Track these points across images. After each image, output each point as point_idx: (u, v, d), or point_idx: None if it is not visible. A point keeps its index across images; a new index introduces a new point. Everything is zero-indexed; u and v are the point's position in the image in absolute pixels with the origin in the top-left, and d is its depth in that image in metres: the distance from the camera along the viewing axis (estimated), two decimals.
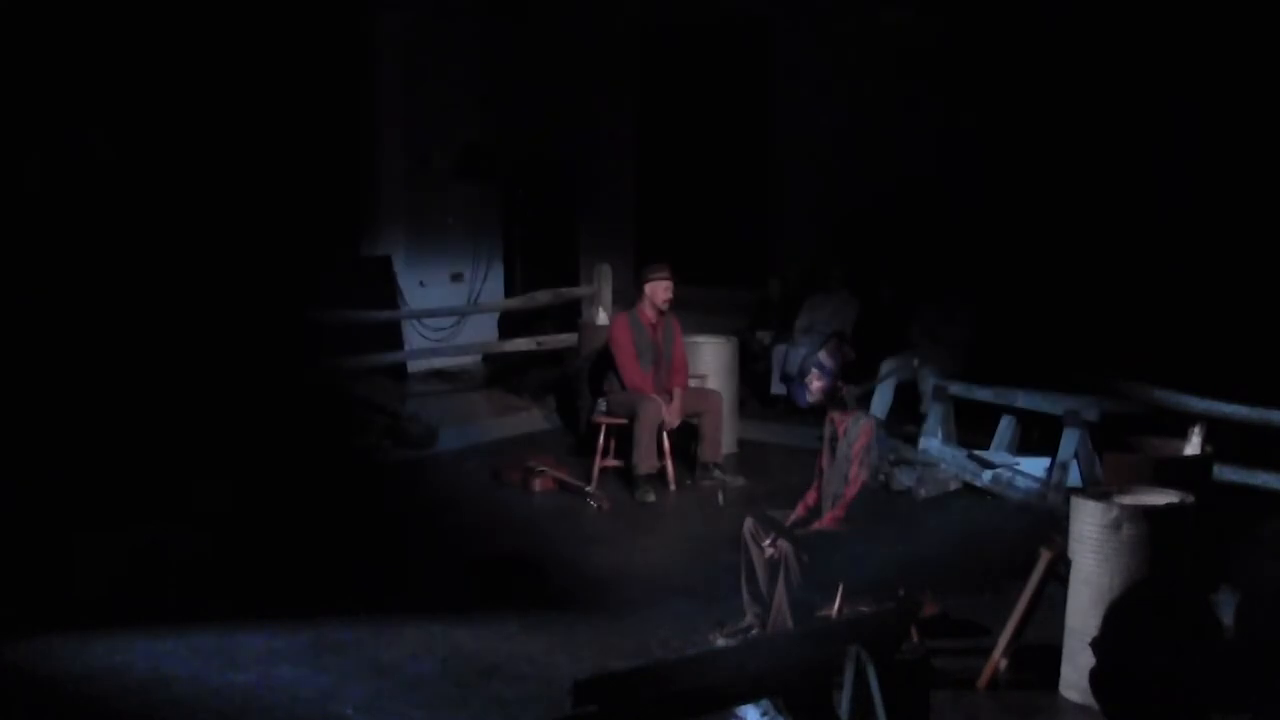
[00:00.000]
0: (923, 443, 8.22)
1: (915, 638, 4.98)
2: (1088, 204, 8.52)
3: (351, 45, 11.07)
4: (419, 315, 11.13)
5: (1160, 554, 4.73)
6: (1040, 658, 5.03)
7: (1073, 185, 8.36)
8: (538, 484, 7.97)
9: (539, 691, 4.91)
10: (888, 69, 10.10)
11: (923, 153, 9.77)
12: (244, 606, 5.79)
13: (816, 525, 5.34)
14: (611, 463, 8.15)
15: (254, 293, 8.81)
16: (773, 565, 5.20)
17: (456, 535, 7.11)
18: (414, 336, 11.30)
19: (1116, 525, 4.75)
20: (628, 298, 8.94)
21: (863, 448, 5.29)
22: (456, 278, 12.11)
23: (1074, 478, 7.38)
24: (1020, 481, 7.65)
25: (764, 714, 4.41)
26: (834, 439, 5.46)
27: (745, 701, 4.29)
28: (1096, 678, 4.75)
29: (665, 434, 7.94)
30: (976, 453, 7.99)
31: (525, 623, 5.72)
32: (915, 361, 9.08)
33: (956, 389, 8.31)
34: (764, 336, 10.25)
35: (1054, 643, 4.99)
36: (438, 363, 11.27)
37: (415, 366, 11.05)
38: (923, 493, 7.75)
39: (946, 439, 8.23)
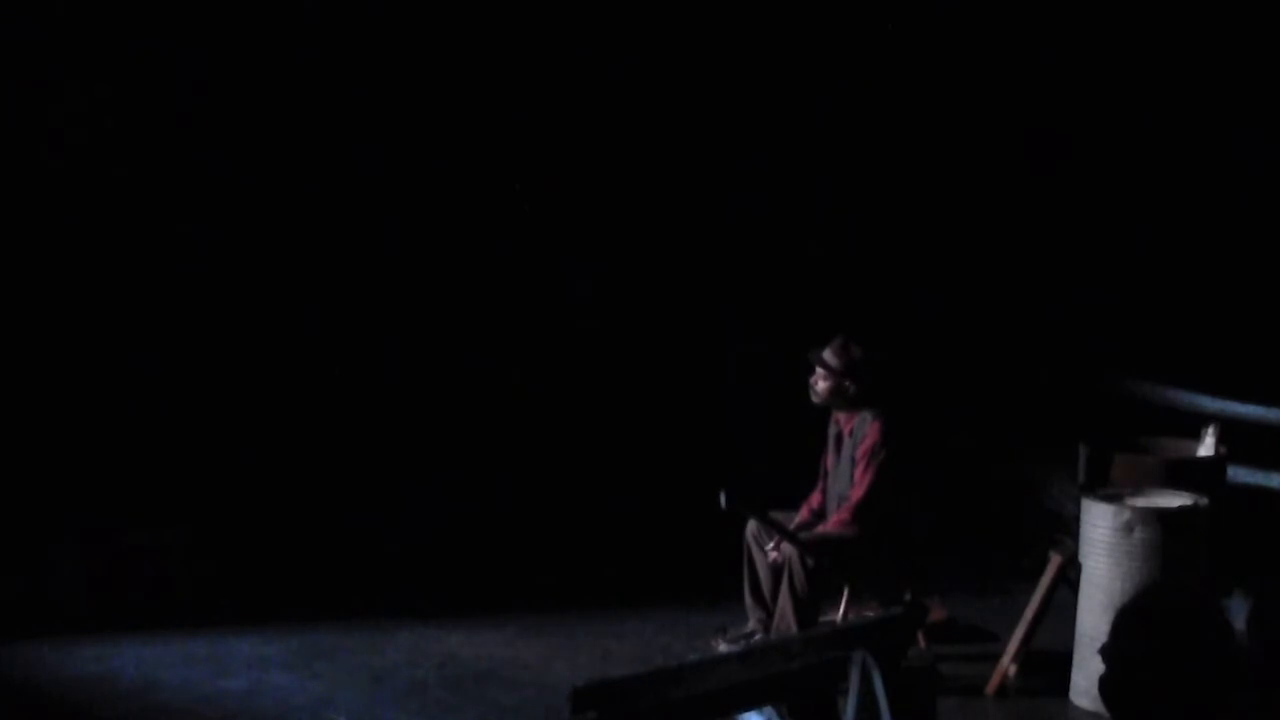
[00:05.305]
0: None
1: (922, 643, 5.37)
2: (1096, 198, 8.75)
3: None
4: None
5: (1173, 558, 5.12)
6: (1050, 664, 5.46)
7: (1081, 179, 8.57)
8: None
9: (536, 697, 5.30)
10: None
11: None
12: (236, 612, 6.22)
13: (821, 529, 5.69)
14: None
15: None
16: (776, 569, 5.56)
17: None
18: None
19: (1128, 528, 5.14)
20: None
21: (870, 448, 5.57)
22: None
23: None
24: None
25: None
26: (839, 438, 5.79)
27: (748, 708, 4.54)
28: (1107, 684, 5.15)
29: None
30: None
31: (522, 628, 6.15)
32: None
33: None
34: None
35: (1064, 648, 5.40)
36: None
37: None
38: None
39: None
